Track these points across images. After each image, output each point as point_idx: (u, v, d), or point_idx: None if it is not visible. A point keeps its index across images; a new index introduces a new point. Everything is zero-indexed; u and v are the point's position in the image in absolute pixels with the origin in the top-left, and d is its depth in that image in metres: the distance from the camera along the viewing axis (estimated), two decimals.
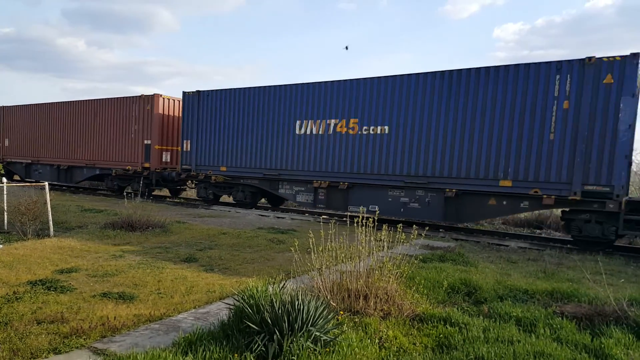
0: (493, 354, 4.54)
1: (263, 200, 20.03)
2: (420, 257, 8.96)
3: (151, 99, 20.48)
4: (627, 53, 11.13)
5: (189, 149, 19.44)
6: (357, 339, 4.72)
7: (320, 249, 5.82)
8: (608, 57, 11.31)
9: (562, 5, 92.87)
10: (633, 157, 12.23)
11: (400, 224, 6.29)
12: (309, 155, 15.97)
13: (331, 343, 4.43)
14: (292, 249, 5.99)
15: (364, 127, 14.81)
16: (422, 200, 13.96)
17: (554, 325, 5.42)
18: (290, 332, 4.27)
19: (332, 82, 15.47)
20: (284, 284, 5.11)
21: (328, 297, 5.46)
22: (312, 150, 15.90)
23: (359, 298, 5.54)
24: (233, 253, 9.46)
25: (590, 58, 11.45)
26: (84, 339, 4.73)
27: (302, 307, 4.41)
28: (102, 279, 7.04)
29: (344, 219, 7.19)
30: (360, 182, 14.98)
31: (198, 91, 19.10)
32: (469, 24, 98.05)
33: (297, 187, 16.59)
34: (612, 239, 11.77)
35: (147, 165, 20.67)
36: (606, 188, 11.30)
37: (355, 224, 6.07)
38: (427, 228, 9.83)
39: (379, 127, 14.54)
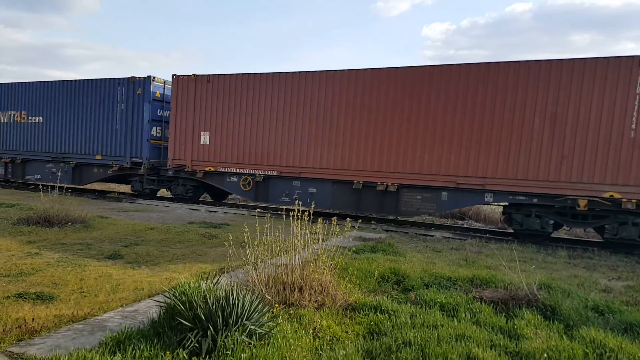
0: (419, 338, 4.79)
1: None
2: (354, 248, 9.21)
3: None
4: (146, 75, 17.86)
5: None
6: (292, 330, 4.78)
7: (256, 243, 5.80)
8: (139, 77, 18.03)
9: (485, 7, 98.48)
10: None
11: (335, 217, 6.43)
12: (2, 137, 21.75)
13: (266, 336, 4.45)
14: (226, 244, 5.92)
15: (30, 117, 20.88)
16: (62, 169, 19.91)
17: (474, 310, 5.79)
18: (224, 327, 4.24)
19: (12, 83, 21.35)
20: (218, 279, 5.05)
21: (263, 291, 5.47)
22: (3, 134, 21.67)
23: (294, 290, 5.60)
24: (162, 249, 9.15)
25: (132, 77, 18.12)
26: None
27: (236, 301, 4.39)
28: (16, 279, 6.53)
29: (279, 212, 7.21)
30: (32, 157, 20.94)
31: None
32: (399, 21, 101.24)
33: None
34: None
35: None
36: (140, 159, 17.85)
37: (291, 218, 6.12)
38: (360, 220, 10.14)
39: (36, 118, 20.72)
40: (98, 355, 4.03)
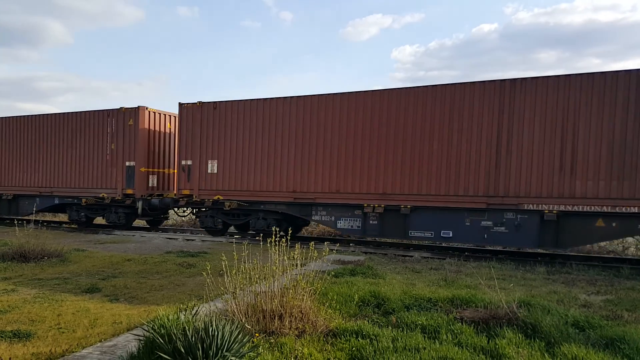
0: None
1: None
2: (333, 272, 9.20)
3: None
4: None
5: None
6: (273, 359, 4.76)
7: (234, 272, 5.80)
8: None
9: (452, 29, 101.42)
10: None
11: (312, 242, 6.47)
12: None
13: None
14: (204, 273, 5.90)
15: None
16: None
17: (455, 331, 5.82)
18: None
19: None
20: (197, 310, 5.03)
21: (243, 320, 5.45)
22: None
23: (274, 318, 5.59)
24: (140, 280, 9.02)
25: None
26: None
27: (216, 332, 4.37)
28: None
29: (257, 238, 7.23)
30: None
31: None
32: (369, 45, 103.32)
33: None
34: None
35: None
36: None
37: (268, 244, 6.14)
38: (337, 244, 10.17)
39: None
40: None
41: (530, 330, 5.84)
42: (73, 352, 5.16)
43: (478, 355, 5.13)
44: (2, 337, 5.58)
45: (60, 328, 6.00)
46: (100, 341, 5.54)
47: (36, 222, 12.27)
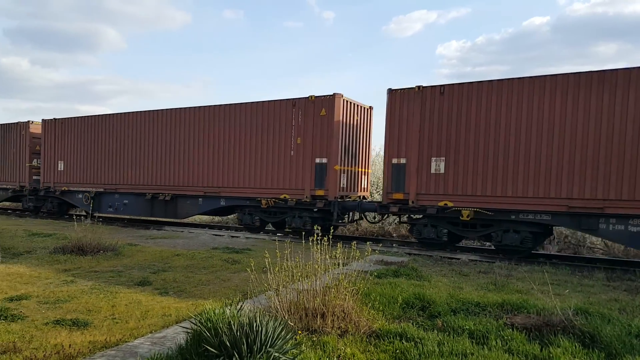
0: None
1: None
2: (375, 273, 9.13)
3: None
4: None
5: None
6: (316, 357, 4.76)
7: (277, 269, 5.86)
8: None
9: (501, 23, 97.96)
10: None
11: (355, 241, 6.42)
12: None
13: None
14: (248, 269, 5.99)
15: None
16: None
17: (505, 337, 5.60)
18: (249, 354, 4.27)
19: None
20: (242, 305, 5.11)
21: (286, 317, 5.49)
22: None
23: (317, 317, 5.60)
24: (188, 275, 9.30)
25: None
26: None
27: (260, 328, 4.43)
28: (54, 306, 6.76)
29: (298, 237, 7.27)
30: None
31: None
32: (413, 42, 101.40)
33: None
34: None
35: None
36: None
37: (310, 242, 6.16)
38: (380, 244, 9.90)
39: None
40: None
41: (588, 339, 5.51)
42: (126, 341, 5.39)
43: None
44: (62, 325, 5.91)
45: (115, 318, 6.28)
46: (151, 332, 5.75)
47: (92, 217, 12.89)
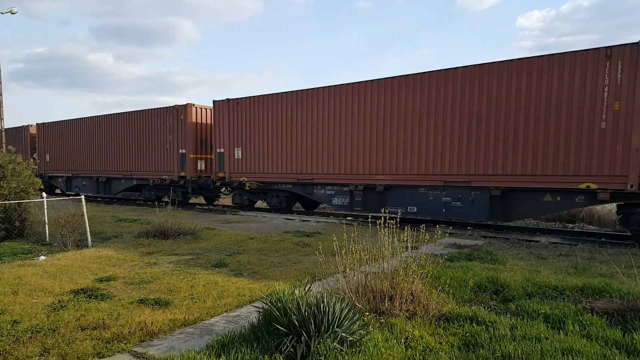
0: (520, 351, 4.56)
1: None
2: (446, 256, 8.96)
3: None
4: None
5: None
6: (383, 339, 4.82)
7: (344, 252, 5.94)
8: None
9: None
10: None
11: (423, 225, 6.35)
12: None
13: (357, 344, 4.55)
14: (317, 252, 6.13)
15: None
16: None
17: (584, 322, 5.36)
18: (317, 334, 4.41)
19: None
20: (310, 286, 5.26)
21: (353, 299, 5.58)
22: None
23: (384, 299, 5.63)
24: (261, 257, 9.68)
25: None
26: (125, 343, 5.00)
27: (327, 309, 4.54)
28: (138, 286, 7.35)
29: (367, 221, 7.30)
30: None
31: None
32: (490, 14, 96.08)
33: None
34: None
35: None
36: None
37: (377, 226, 6.17)
38: (450, 227, 9.61)
39: None
40: (205, 357, 4.42)
41: None
42: (203, 320, 5.76)
43: (610, 350, 4.67)
44: (146, 304, 6.42)
45: (193, 298, 6.71)
46: (226, 311, 6.09)
47: (174, 202, 13.75)
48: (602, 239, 12.38)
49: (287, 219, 16.82)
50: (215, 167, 20.13)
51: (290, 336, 4.46)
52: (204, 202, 24.15)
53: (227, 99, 19.44)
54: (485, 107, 13.10)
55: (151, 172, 22.44)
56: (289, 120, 17.41)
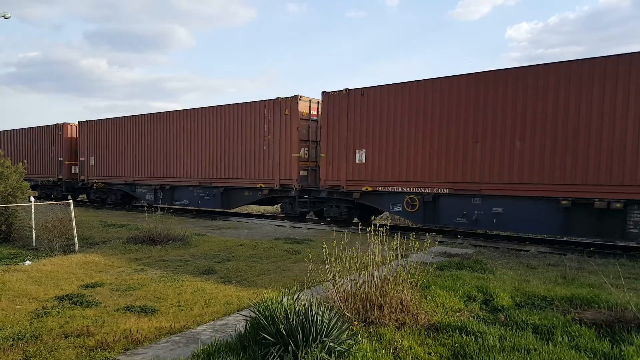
0: None
1: None
2: (436, 265, 8.95)
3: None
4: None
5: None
6: (372, 349, 4.77)
7: (333, 260, 5.90)
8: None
9: (575, 1, 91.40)
10: None
11: (413, 233, 6.33)
12: None
13: (345, 354, 4.50)
14: (307, 260, 6.08)
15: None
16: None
17: (572, 333, 5.36)
18: (304, 343, 4.36)
19: None
20: (298, 295, 5.20)
21: (342, 308, 5.53)
22: None
23: (374, 308, 5.59)
24: (250, 264, 9.60)
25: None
26: (109, 352, 4.90)
27: (315, 318, 4.49)
28: (125, 293, 7.24)
29: (357, 227, 7.27)
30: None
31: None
32: (480, 25, 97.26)
33: None
34: None
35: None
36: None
37: (367, 234, 6.14)
38: (440, 236, 9.47)
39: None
40: None
41: None
42: (190, 328, 5.67)
43: None
44: (132, 311, 6.32)
45: (180, 306, 6.62)
46: (214, 319, 6.01)
47: (162, 209, 13.62)
48: (591, 249, 12.45)
49: (278, 226, 16.74)
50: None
51: (278, 346, 4.40)
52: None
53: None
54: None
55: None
56: (120, 139, 23.70)
